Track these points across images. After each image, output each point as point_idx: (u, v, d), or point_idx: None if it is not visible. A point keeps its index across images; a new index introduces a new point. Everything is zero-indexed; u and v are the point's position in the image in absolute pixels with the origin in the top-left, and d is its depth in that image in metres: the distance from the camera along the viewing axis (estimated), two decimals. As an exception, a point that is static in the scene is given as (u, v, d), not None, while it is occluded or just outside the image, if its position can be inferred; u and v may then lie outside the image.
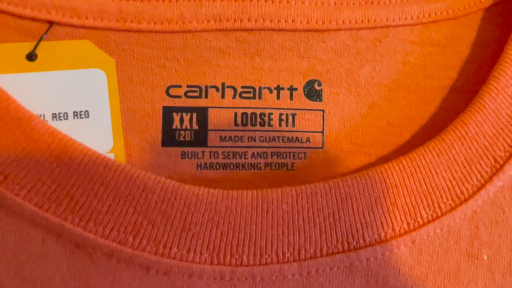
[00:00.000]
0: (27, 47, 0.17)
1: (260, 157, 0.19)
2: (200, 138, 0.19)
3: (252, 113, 0.19)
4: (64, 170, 0.16)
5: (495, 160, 0.19)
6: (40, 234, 0.16)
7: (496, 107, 0.19)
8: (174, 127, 0.19)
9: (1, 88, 0.16)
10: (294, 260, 0.17)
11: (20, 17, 0.18)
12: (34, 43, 0.17)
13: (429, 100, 0.20)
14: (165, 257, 0.17)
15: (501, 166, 0.19)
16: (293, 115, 0.20)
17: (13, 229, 0.16)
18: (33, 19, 0.18)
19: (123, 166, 0.16)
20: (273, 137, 0.20)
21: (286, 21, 0.19)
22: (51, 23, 0.18)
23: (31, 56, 0.17)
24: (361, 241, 0.18)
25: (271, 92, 0.19)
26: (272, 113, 0.19)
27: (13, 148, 0.16)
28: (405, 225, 0.18)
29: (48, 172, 0.16)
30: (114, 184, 0.16)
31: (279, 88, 0.20)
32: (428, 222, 0.18)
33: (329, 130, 0.20)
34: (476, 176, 0.19)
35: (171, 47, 0.19)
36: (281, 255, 0.17)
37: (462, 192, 0.18)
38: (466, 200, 0.19)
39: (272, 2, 0.19)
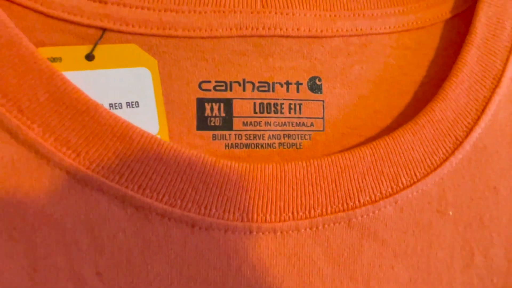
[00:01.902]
0: (86, 49, 0.20)
1: (275, 138, 0.22)
2: (227, 123, 0.22)
3: (267, 103, 0.22)
4: (125, 148, 0.19)
5: (456, 138, 0.21)
6: (107, 200, 0.19)
7: (455, 97, 0.22)
8: (206, 114, 0.22)
9: (71, 82, 0.19)
10: (306, 218, 0.20)
11: (79, 24, 0.20)
12: (91, 46, 0.20)
13: (405, 92, 0.23)
14: (206, 216, 0.19)
15: (461, 143, 0.22)
16: (300, 105, 0.22)
17: (85, 197, 0.19)
18: (89, 26, 0.20)
19: (172, 144, 0.19)
20: (284, 122, 0.22)
21: (292, 29, 0.22)
22: (104, 30, 0.20)
23: (89, 57, 0.20)
24: (357, 202, 0.20)
25: (281, 86, 0.22)
26: (283, 103, 0.22)
27: (83, 131, 0.19)
28: (389, 189, 0.21)
29: (112, 150, 0.19)
30: (165, 158, 0.19)
31: (288, 83, 0.22)
32: (407, 186, 0.21)
33: (328, 116, 0.23)
34: (442, 150, 0.21)
35: (201, 50, 0.22)
36: (296, 213, 0.20)
37: (432, 163, 0.21)
38: (435, 169, 0.21)
39: (281, 14, 0.22)
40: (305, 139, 0.23)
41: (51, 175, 0.18)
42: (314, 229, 0.20)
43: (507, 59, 0.22)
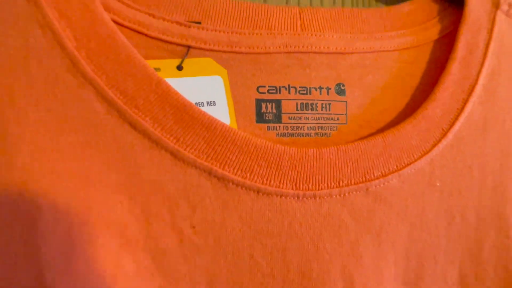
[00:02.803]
0: (176, 62, 0.26)
1: (312, 129, 0.27)
2: (277, 118, 0.27)
3: (306, 103, 0.27)
4: (211, 135, 0.24)
5: (442, 130, 0.26)
6: (198, 173, 0.24)
7: (443, 99, 0.26)
8: (262, 111, 0.27)
9: (171, 86, 0.24)
10: (336, 187, 0.25)
11: (170, 43, 0.26)
12: (180, 59, 0.26)
13: (405, 95, 0.28)
14: (267, 185, 0.24)
15: (446, 133, 0.26)
16: (329, 104, 0.28)
17: (183, 171, 0.24)
18: (178, 44, 0.26)
19: (243, 133, 0.24)
20: (318, 117, 0.27)
21: (324, 47, 0.27)
22: (188, 47, 0.26)
23: (179, 68, 0.26)
24: (372, 176, 0.25)
25: (316, 90, 0.28)
26: (317, 103, 0.27)
27: (181, 122, 0.24)
28: (395, 167, 0.26)
29: (202, 136, 0.24)
30: (239, 143, 0.24)
31: (321, 88, 0.28)
32: (408, 165, 0.26)
33: (350, 113, 0.28)
34: (432, 138, 0.26)
35: (258, 63, 0.27)
36: (329, 184, 0.25)
37: (425, 148, 0.26)
38: (427, 152, 0.26)
39: (316, 36, 0.28)
40: (333, 130, 0.28)
41: (159, 155, 0.24)
42: (342, 195, 0.25)
43: (480, 71, 0.28)
